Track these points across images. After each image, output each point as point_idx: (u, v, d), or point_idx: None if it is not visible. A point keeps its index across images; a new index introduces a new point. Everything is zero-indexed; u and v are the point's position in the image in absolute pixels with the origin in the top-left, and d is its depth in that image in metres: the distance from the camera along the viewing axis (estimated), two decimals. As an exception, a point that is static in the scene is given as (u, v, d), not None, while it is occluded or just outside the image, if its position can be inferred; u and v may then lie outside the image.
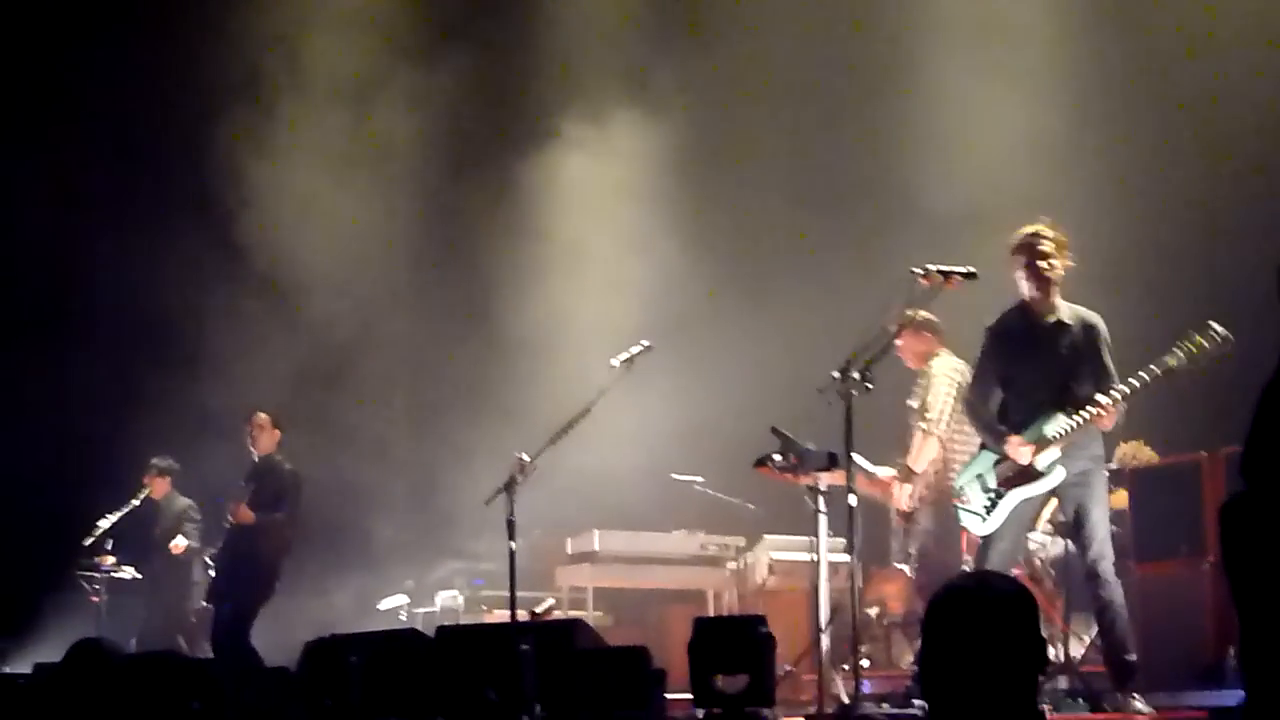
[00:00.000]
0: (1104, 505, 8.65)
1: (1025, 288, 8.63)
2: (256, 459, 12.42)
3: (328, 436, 13.87)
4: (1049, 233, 8.58)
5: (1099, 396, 8.38)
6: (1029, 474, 8.62)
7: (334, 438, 13.95)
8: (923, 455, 10.33)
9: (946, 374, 10.37)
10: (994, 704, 3.91)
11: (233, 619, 12.04)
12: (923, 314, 9.77)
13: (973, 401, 9.02)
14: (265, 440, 12.40)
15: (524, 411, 12.08)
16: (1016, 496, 8.67)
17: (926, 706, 4.21)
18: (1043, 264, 8.54)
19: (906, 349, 10.31)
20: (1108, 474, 8.91)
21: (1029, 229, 8.61)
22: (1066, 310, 8.67)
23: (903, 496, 10.34)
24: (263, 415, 12.44)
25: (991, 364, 8.87)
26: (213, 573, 12.79)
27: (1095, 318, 8.66)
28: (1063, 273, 8.60)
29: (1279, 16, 11.55)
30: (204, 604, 13.05)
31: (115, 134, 14.67)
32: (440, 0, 14.89)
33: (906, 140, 12.75)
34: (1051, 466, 8.55)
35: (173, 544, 13.38)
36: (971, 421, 9.19)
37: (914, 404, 10.44)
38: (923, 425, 10.33)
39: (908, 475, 10.38)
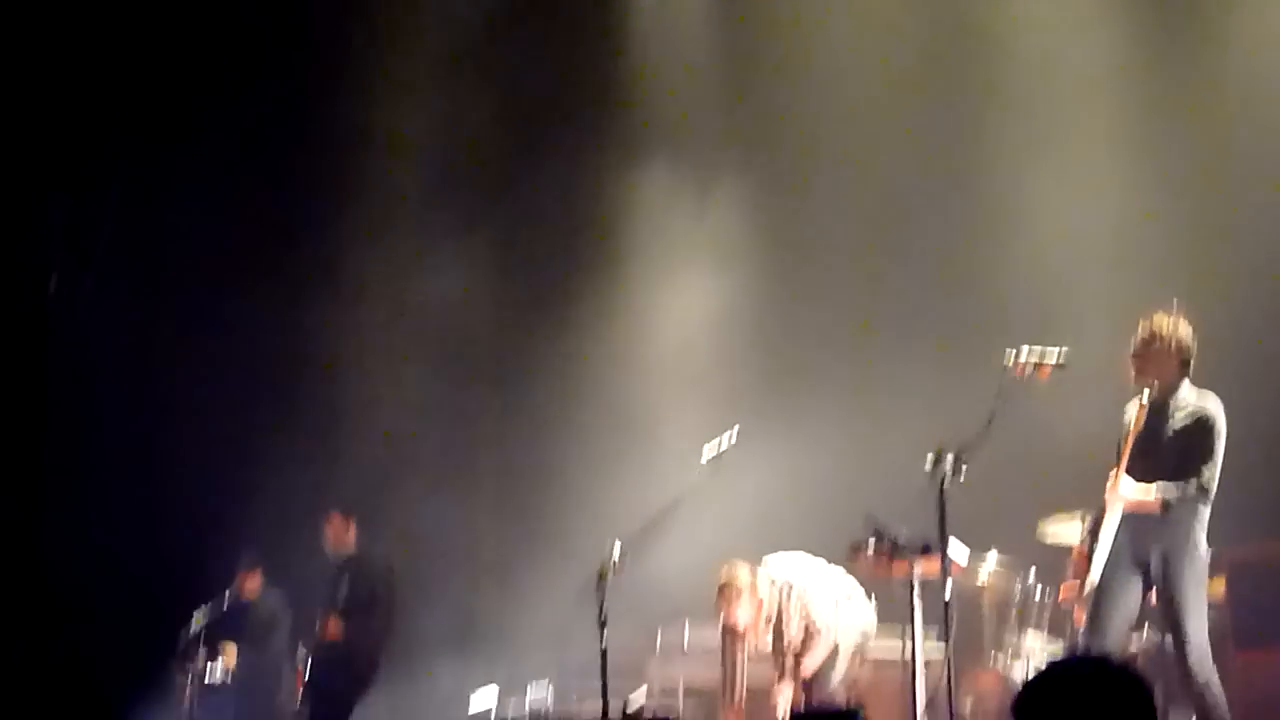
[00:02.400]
0: (1194, 592, 8.48)
1: None
2: (340, 559, 12.48)
3: (416, 530, 13.92)
4: (1148, 327, 8.64)
5: None
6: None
7: (423, 531, 13.97)
8: (815, 658, 10.39)
9: (812, 587, 10.43)
10: None
11: (329, 717, 12.08)
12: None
13: None
14: (344, 538, 12.50)
15: (614, 500, 12.07)
16: (1091, 580, 8.70)
17: None
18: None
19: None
20: (1204, 559, 8.65)
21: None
22: (1184, 397, 8.68)
23: (785, 698, 10.32)
24: (337, 515, 12.54)
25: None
26: (308, 672, 12.79)
27: (1206, 407, 8.63)
28: (1149, 359, 8.64)
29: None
30: (298, 706, 13.08)
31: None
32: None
33: (996, 226, 12.70)
34: (1106, 544, 8.64)
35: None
36: None
37: (794, 626, 10.42)
38: (813, 637, 10.37)
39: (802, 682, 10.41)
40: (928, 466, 8.11)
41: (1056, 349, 8.47)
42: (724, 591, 10.26)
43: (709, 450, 9.87)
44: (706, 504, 10.40)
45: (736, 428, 9.96)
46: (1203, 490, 8.51)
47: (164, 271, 14.54)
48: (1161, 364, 8.65)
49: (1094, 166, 12.31)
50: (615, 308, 14.02)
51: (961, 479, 8.07)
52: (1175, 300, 8.81)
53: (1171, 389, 8.67)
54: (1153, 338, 8.65)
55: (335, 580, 12.53)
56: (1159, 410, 8.71)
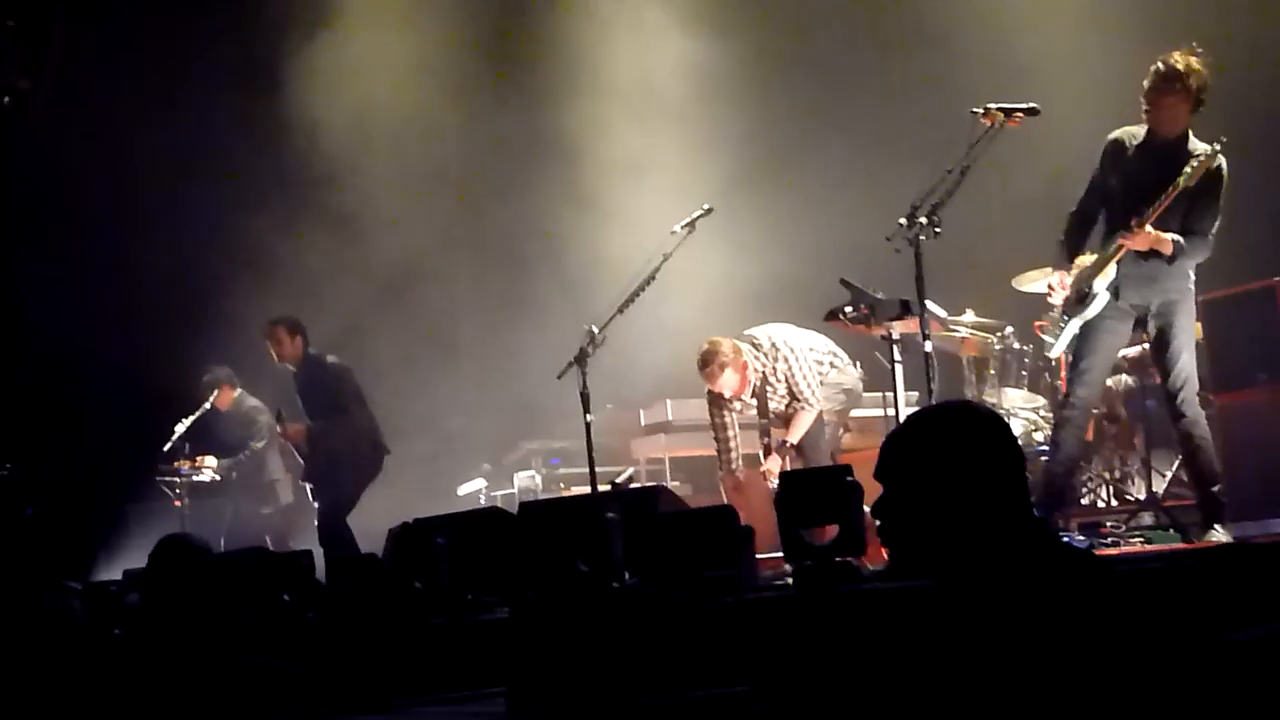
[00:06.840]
0: (1186, 335, 8.36)
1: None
2: (293, 369, 12.29)
3: (394, 328, 13.91)
4: (1170, 65, 8.14)
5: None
6: (1082, 298, 8.51)
7: (400, 328, 13.97)
8: (801, 427, 10.38)
9: (796, 354, 10.36)
10: (981, 521, 3.61)
11: (329, 509, 12.08)
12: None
13: (1070, 219, 8.73)
14: (289, 349, 12.20)
15: (589, 282, 12.03)
16: (1075, 324, 8.55)
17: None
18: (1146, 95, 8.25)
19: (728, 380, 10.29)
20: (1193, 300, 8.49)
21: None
22: (1194, 146, 8.25)
23: (774, 468, 10.31)
24: (279, 328, 12.24)
25: (1099, 174, 8.57)
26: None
27: (1219, 160, 8.21)
28: (1166, 100, 8.18)
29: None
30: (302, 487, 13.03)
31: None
32: None
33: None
34: (1104, 287, 8.42)
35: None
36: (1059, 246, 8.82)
37: (780, 395, 10.43)
38: (800, 405, 10.36)
39: (791, 449, 10.42)
40: (902, 222, 8.05)
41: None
42: (709, 363, 10.18)
43: (678, 225, 9.81)
44: (680, 281, 10.42)
45: (706, 205, 9.92)
46: (1207, 242, 8.29)
47: (118, 78, 14.27)
48: (1178, 107, 8.16)
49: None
50: (580, 70, 13.83)
51: (937, 233, 8.01)
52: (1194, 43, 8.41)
53: (1183, 135, 8.27)
54: (1175, 76, 8.09)
55: (298, 388, 12.43)
56: (1167, 156, 8.29)
